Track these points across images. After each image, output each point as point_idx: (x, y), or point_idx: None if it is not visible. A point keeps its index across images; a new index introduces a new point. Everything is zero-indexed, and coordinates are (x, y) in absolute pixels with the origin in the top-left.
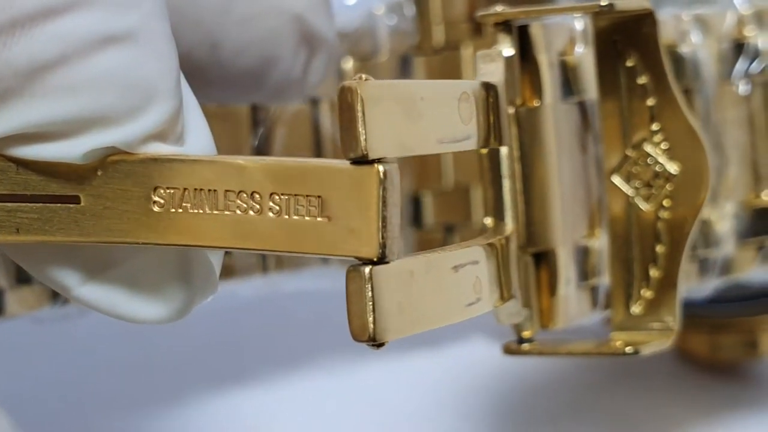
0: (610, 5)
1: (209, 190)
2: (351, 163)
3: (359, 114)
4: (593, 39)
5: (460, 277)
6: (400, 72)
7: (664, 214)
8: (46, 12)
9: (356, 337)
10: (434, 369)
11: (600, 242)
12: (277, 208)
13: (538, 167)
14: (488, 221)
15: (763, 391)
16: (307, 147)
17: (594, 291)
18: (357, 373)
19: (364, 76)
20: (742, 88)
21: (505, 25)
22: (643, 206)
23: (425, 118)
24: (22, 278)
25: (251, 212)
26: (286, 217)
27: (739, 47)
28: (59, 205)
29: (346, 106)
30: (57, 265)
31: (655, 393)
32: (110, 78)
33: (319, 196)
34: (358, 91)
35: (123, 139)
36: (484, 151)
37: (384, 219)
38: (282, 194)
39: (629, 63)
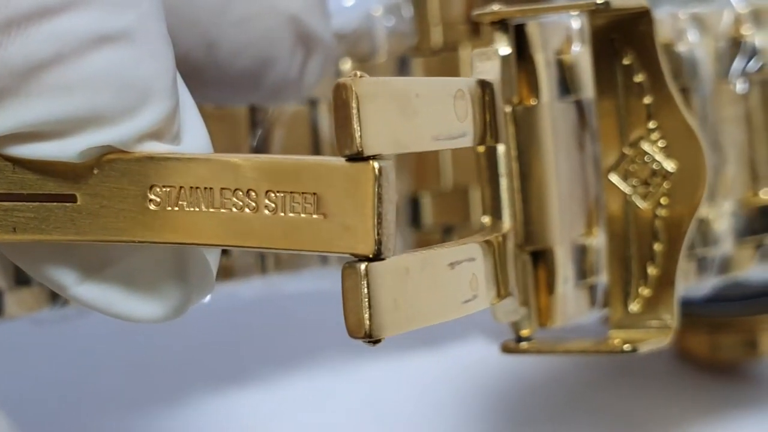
0: (606, 3)
1: (205, 188)
2: (346, 160)
3: (354, 111)
4: (590, 37)
5: (456, 274)
6: (398, 73)
7: (662, 212)
8: (42, 11)
9: (352, 334)
10: (433, 369)
11: (598, 241)
12: (273, 205)
13: (536, 166)
14: (486, 220)
15: (763, 391)
16: (305, 148)
17: (592, 289)
18: (356, 373)
19: (358, 73)
20: (740, 86)
21: (501, 24)
22: (641, 204)
23: (420, 115)
24: (21, 280)
25: (247, 210)
26: (282, 214)
27: (736, 46)
28: (56, 204)
29: (341, 103)
30: (54, 264)
31: (655, 393)
32: (106, 77)
33: (314, 194)
34: (353, 88)
35: (119, 139)
36: (482, 149)
37: (379, 216)
38: (278, 192)
39: (626, 61)
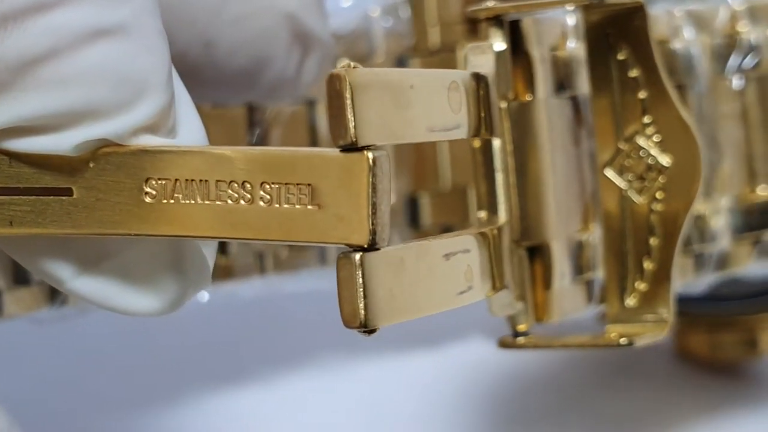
0: None
1: (200, 181)
2: (341, 151)
3: (348, 101)
4: (584, 33)
5: (451, 265)
6: None
7: (658, 207)
8: (38, 6)
9: (347, 324)
10: (433, 369)
11: (594, 236)
12: (268, 197)
13: (532, 161)
14: (482, 215)
15: (763, 391)
16: None
17: (589, 285)
18: (355, 373)
19: (352, 63)
20: (736, 83)
21: (496, 20)
22: (637, 199)
23: (414, 106)
24: (19, 279)
25: (242, 202)
26: (277, 206)
27: (732, 42)
28: (52, 197)
29: (335, 93)
30: (50, 258)
31: (655, 392)
32: (101, 71)
33: (309, 185)
34: (347, 79)
35: (114, 132)
36: (477, 144)
37: (374, 206)
38: (272, 183)
39: (621, 56)
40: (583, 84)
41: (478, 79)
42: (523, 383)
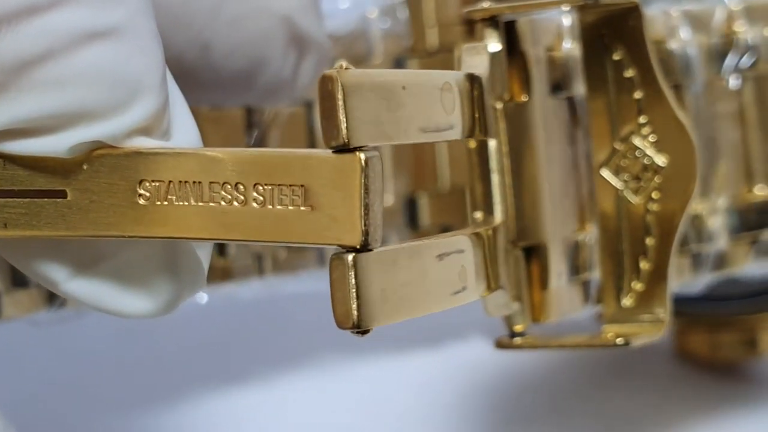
0: None
1: (194, 182)
2: (333, 152)
3: (340, 102)
4: (580, 33)
5: (444, 266)
6: None
7: (654, 207)
8: (32, 8)
9: (340, 325)
10: (432, 369)
11: (591, 237)
12: (261, 198)
13: (527, 162)
14: (478, 215)
15: (762, 391)
16: None
17: (585, 285)
18: (354, 373)
19: (344, 64)
20: (733, 82)
21: (492, 21)
22: (633, 199)
23: (407, 106)
24: (17, 281)
25: (236, 203)
26: (270, 207)
27: (729, 42)
28: (46, 199)
29: (327, 94)
30: (45, 260)
31: (654, 392)
32: (95, 73)
33: (302, 186)
34: (339, 80)
35: (108, 134)
36: (473, 145)
37: (366, 206)
38: (266, 185)
39: (616, 57)
40: (578, 84)
41: (472, 79)
42: (522, 384)
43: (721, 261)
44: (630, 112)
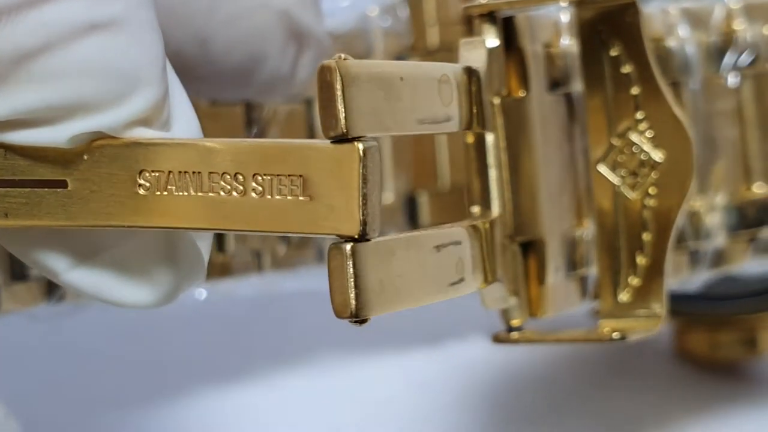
0: None
1: (193, 173)
2: (331, 142)
3: (338, 92)
4: (577, 29)
5: (442, 257)
6: None
7: (650, 202)
8: (31, 0)
9: (338, 314)
10: (432, 367)
11: (588, 232)
12: (260, 188)
13: (525, 157)
14: (475, 209)
15: (762, 390)
16: None
17: (583, 280)
18: (354, 371)
19: (342, 55)
20: (731, 80)
21: (490, 17)
22: (629, 195)
23: (405, 98)
24: (16, 275)
25: (235, 193)
26: (269, 197)
27: (727, 40)
28: (47, 189)
29: (325, 84)
30: (45, 250)
31: (654, 392)
32: (95, 65)
33: (300, 176)
34: (337, 70)
35: (108, 125)
36: (470, 140)
37: (364, 196)
38: (264, 175)
39: (613, 52)
40: (576, 80)
41: (470, 73)
42: (521, 383)
43: (719, 258)
44: (627, 108)
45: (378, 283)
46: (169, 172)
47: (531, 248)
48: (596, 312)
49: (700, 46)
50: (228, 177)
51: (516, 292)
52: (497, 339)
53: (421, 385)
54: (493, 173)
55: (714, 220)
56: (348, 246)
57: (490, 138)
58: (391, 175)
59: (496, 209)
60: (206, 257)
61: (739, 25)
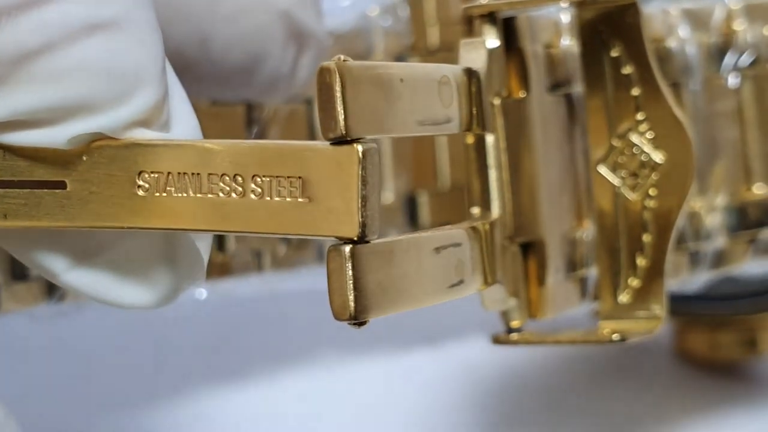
0: None
1: (193, 174)
2: (331, 144)
3: (338, 94)
4: (578, 30)
5: (442, 259)
6: None
7: (651, 203)
8: (31, 0)
9: (337, 316)
10: (431, 368)
11: (588, 233)
12: (260, 190)
13: (525, 158)
14: (475, 211)
15: (762, 391)
16: None
17: (582, 282)
18: (354, 371)
19: (342, 57)
20: (732, 81)
21: (490, 17)
22: (630, 196)
23: (405, 99)
24: (16, 274)
25: (234, 195)
26: (268, 198)
27: (728, 41)
28: (46, 190)
29: (325, 86)
30: (44, 251)
31: (654, 392)
32: (95, 65)
33: (300, 177)
34: (337, 72)
35: (107, 126)
36: (471, 141)
37: (364, 198)
38: (264, 176)
39: (614, 53)
40: (576, 81)
41: (470, 74)
42: (521, 383)
43: (719, 259)
44: (627, 108)
45: (377, 285)
46: (168, 173)
47: (531, 249)
48: (596, 313)
49: (701, 46)
50: (227, 178)
51: (516, 293)
52: (497, 340)
53: (421, 385)
54: (493, 174)
55: (714, 221)
56: (347, 248)
57: (490, 139)
58: (391, 174)
59: (496, 210)
60: (205, 258)
61: (740, 26)
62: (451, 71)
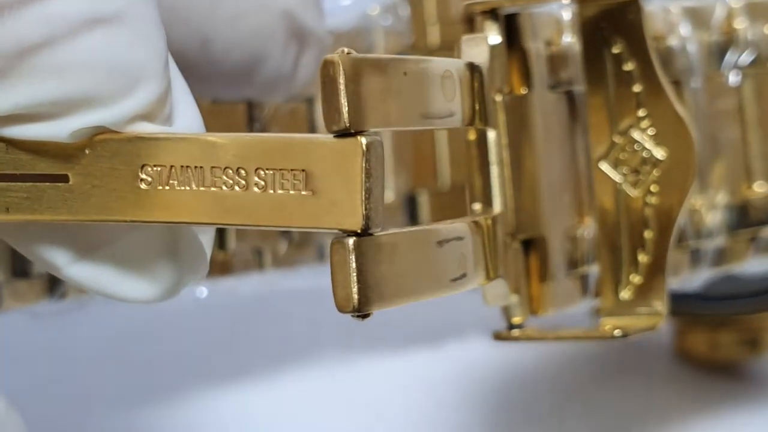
0: None
1: (195, 167)
2: (334, 137)
3: (341, 86)
4: (579, 26)
5: (445, 252)
6: None
7: (652, 200)
8: None
9: (340, 308)
10: (431, 367)
11: (590, 230)
12: (263, 183)
13: (527, 155)
14: (476, 207)
15: (763, 391)
16: None
17: (584, 279)
18: (354, 370)
19: (346, 49)
20: (733, 79)
21: (492, 14)
22: (631, 192)
23: (408, 92)
24: (18, 272)
25: (237, 188)
26: (272, 191)
27: (728, 39)
28: (48, 184)
29: (329, 79)
30: (47, 245)
31: (654, 392)
32: (98, 59)
33: (303, 170)
34: (341, 64)
35: (110, 120)
36: (472, 137)
37: (368, 191)
38: (267, 169)
39: (615, 50)
40: (578, 78)
41: (473, 68)
42: (522, 383)
43: (719, 257)
44: (629, 105)
45: (381, 278)
46: (171, 166)
47: (532, 246)
48: (597, 310)
49: (702, 44)
50: (230, 171)
51: (517, 289)
52: (498, 337)
53: (421, 384)
54: (494, 170)
55: (715, 219)
56: (351, 240)
57: (491, 135)
58: (392, 174)
59: (497, 207)
60: (208, 251)
61: (740, 24)
62: (454, 65)
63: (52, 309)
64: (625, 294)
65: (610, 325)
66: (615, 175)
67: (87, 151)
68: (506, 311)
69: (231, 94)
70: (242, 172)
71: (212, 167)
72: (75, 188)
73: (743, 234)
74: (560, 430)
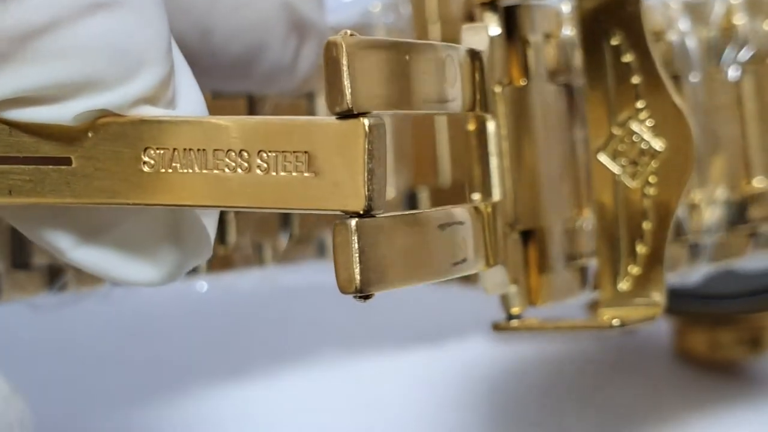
0: None
1: (198, 150)
2: (337, 118)
3: (344, 68)
4: (578, 18)
5: (446, 236)
6: None
7: (651, 191)
8: None
9: (342, 289)
10: (431, 365)
11: (588, 221)
12: (265, 165)
13: (526, 146)
14: (476, 197)
15: (763, 390)
16: None
17: (583, 270)
18: (353, 367)
19: (349, 31)
20: (732, 74)
21: (491, 5)
22: (630, 184)
23: (410, 76)
24: (18, 263)
25: (239, 170)
26: (274, 174)
27: (728, 35)
28: (51, 166)
29: (332, 60)
30: (51, 228)
31: (654, 391)
32: (101, 43)
33: (305, 152)
34: (344, 46)
35: (113, 103)
36: (472, 128)
37: (370, 172)
38: (269, 152)
39: (614, 42)
40: (577, 70)
41: (473, 55)
42: (522, 382)
43: (718, 252)
44: (628, 97)
45: (383, 259)
46: (174, 149)
47: (531, 237)
48: (596, 302)
49: (701, 40)
50: (233, 154)
51: (516, 280)
52: (497, 327)
53: (421, 384)
54: (494, 161)
55: (714, 213)
56: (353, 221)
57: (491, 126)
58: (392, 170)
59: (497, 197)
60: (212, 234)
61: (740, 20)
62: (456, 51)
63: (51, 301)
64: (624, 285)
65: (608, 315)
66: (613, 167)
67: (90, 134)
68: (505, 301)
69: (231, 86)
70: (245, 154)
71: (215, 150)
72: (78, 171)
73: (742, 229)
74: (560, 430)
